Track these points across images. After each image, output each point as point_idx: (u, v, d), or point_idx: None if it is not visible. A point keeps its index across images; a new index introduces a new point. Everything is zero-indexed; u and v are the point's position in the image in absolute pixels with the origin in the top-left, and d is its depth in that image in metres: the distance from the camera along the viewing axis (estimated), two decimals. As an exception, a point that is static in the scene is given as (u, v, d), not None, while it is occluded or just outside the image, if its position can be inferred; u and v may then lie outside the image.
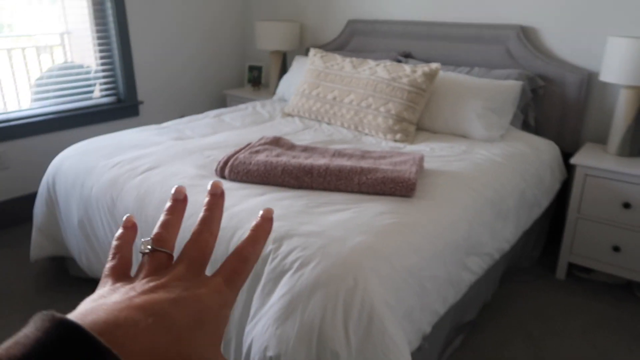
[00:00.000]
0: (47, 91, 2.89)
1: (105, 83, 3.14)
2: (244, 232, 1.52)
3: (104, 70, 3.11)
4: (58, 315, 0.25)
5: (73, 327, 0.25)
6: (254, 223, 0.39)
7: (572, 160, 2.26)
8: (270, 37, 3.31)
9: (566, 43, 2.51)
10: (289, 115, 2.77)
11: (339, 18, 3.29)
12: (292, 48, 3.39)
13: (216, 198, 0.39)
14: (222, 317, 0.34)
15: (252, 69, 3.73)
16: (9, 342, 0.24)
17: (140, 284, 0.33)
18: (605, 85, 2.44)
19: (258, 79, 3.70)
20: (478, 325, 2.04)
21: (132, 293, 0.32)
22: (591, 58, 2.45)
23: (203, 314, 0.32)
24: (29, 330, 0.25)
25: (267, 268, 1.44)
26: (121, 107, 3.18)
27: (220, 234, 1.56)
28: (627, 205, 2.15)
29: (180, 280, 0.34)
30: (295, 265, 1.39)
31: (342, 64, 2.65)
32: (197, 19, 3.50)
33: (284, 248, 1.45)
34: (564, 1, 2.47)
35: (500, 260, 2.08)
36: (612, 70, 2.15)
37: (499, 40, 2.64)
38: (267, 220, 0.39)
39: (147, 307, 0.30)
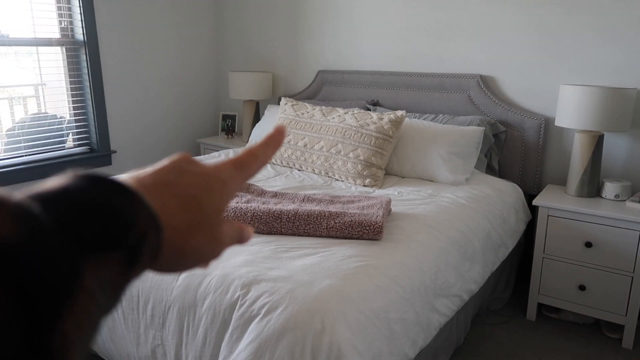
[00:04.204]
0: (19, 142, 2.89)
1: (78, 133, 3.16)
2: (211, 279, 1.52)
3: (77, 120, 3.14)
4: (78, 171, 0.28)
5: (92, 175, 0.28)
6: (268, 134, 0.42)
7: (535, 202, 2.34)
8: (243, 87, 3.40)
9: (523, 91, 2.65)
10: (261, 162, 2.82)
11: (309, 69, 3.41)
12: (264, 97, 3.48)
13: (280, 134, 0.41)
14: (224, 194, 0.37)
15: (225, 117, 3.80)
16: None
17: None
18: (561, 129, 2.57)
19: (232, 128, 3.76)
20: (451, 368, 2.04)
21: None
22: (547, 104, 2.59)
23: (209, 182, 0.35)
24: (53, 181, 0.27)
25: (235, 314, 1.44)
26: (94, 157, 3.18)
27: (188, 280, 1.56)
28: (588, 245, 2.22)
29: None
30: (263, 310, 1.40)
31: (312, 112, 2.74)
32: (172, 69, 3.59)
33: (252, 293, 1.45)
34: (518, 53, 2.63)
35: (470, 302, 2.10)
36: (566, 115, 2.27)
37: (461, 89, 2.77)
38: (279, 132, 0.42)
39: (157, 178, 0.34)
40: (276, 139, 0.41)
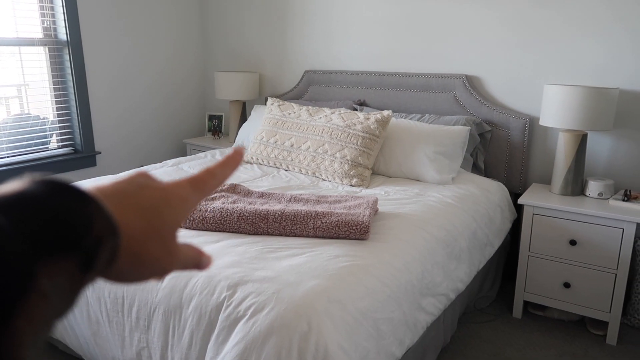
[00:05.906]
0: (1, 143, 2.85)
1: (62, 134, 3.12)
2: (197, 280, 1.51)
3: (60, 121, 3.10)
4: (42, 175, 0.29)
5: (49, 179, 0.28)
6: (227, 154, 0.43)
7: (520, 200, 2.36)
8: (229, 87, 3.38)
9: (508, 91, 2.68)
10: (247, 162, 2.81)
11: (296, 69, 3.40)
12: (251, 97, 3.47)
13: (238, 155, 0.43)
14: (181, 209, 0.37)
15: (212, 118, 3.78)
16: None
17: None
18: (546, 129, 2.60)
19: (218, 128, 3.75)
20: (438, 367, 2.05)
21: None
22: (531, 104, 2.62)
23: (168, 195, 0.36)
24: (13, 185, 0.27)
25: (221, 316, 1.43)
26: (78, 158, 3.14)
27: (174, 281, 1.55)
28: (573, 243, 2.25)
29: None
30: (249, 311, 1.39)
31: (299, 112, 2.73)
32: (158, 68, 3.56)
33: (238, 294, 1.44)
34: (503, 53, 2.65)
35: (457, 301, 2.11)
36: (550, 115, 2.29)
37: (447, 89, 2.79)
38: (238, 154, 0.43)
39: (117, 187, 0.34)
40: (234, 159, 0.43)
